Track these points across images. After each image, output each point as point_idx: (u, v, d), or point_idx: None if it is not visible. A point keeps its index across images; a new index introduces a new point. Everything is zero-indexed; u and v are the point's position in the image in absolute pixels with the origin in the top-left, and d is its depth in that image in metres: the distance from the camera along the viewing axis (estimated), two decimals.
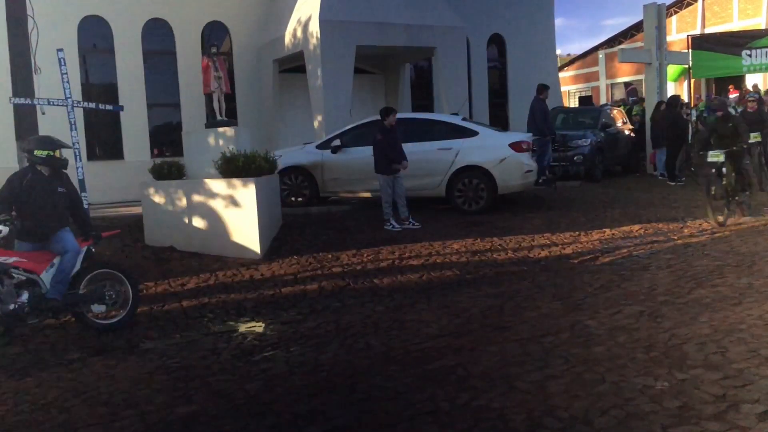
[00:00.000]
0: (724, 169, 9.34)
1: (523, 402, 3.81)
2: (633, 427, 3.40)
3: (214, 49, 10.09)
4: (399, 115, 10.32)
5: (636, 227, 9.36)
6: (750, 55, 16.34)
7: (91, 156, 13.98)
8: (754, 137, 11.09)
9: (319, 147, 11.25)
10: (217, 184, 8.40)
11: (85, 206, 7.94)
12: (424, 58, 16.62)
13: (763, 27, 29.36)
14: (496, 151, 10.46)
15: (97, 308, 6.12)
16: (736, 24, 33.06)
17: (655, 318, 5.20)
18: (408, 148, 9.98)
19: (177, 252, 8.47)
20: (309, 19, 13.44)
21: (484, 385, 4.10)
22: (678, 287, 6.14)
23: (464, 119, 11.73)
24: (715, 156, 9.38)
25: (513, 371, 4.28)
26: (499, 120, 18.52)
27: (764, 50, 16.24)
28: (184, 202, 8.73)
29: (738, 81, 22.57)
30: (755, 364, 4.05)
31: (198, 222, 8.58)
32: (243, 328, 5.99)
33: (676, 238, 8.67)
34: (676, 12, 35.33)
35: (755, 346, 4.37)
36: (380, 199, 9.92)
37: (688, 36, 17.96)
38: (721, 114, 10.23)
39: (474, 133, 10.88)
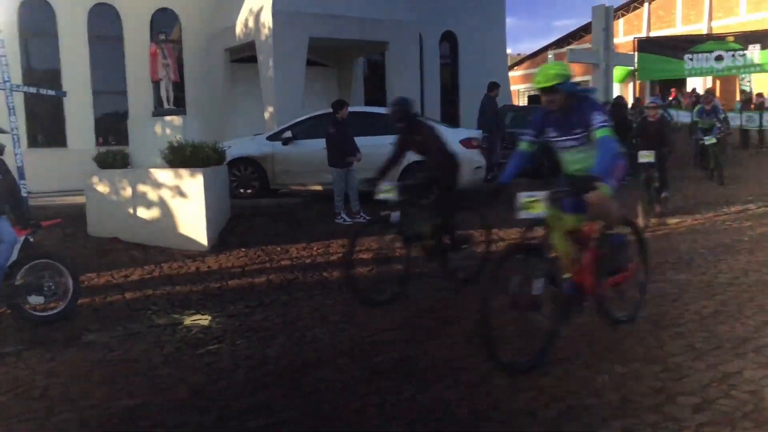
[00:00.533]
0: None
1: (469, 395, 3.84)
2: (574, 419, 3.47)
3: (162, 36, 9.84)
4: (352, 109, 10.27)
5: None
6: (692, 59, 16.90)
7: (33, 143, 13.54)
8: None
9: (270, 138, 11.12)
10: (163, 174, 8.22)
11: (24, 194, 7.67)
12: (377, 52, 16.59)
13: (704, 32, 30.40)
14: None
15: (35, 300, 5.92)
16: (679, 29, 34.10)
17: (596, 314, 5.31)
18: (360, 141, 9.96)
19: (121, 243, 8.27)
20: (261, 9, 13.27)
21: (432, 377, 4.13)
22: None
23: (416, 115, 11.75)
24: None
25: (460, 364, 4.32)
26: (450, 117, 18.65)
27: (705, 55, 16.82)
28: (129, 191, 8.52)
29: (680, 84, 23.30)
30: (691, 357, 4.18)
31: (143, 212, 8.39)
32: (188, 320, 5.88)
33: None
34: (623, 15, 36.23)
35: (692, 340, 4.51)
36: (332, 192, 9.87)
37: (634, 39, 18.47)
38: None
39: None
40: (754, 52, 16.71)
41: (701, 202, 11.07)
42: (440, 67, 19.20)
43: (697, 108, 14.27)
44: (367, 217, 9.72)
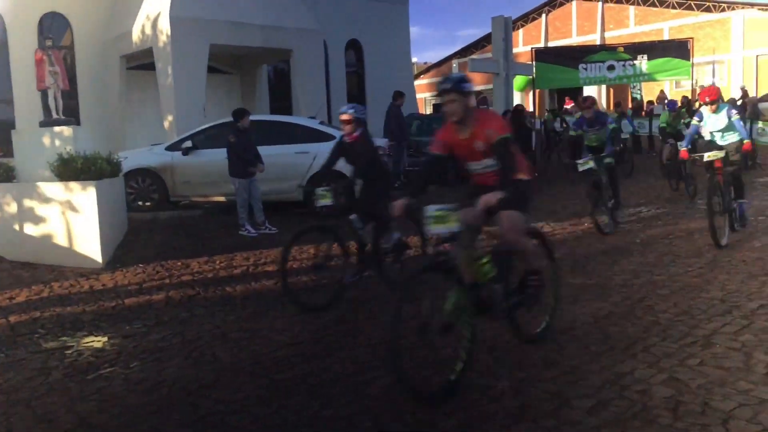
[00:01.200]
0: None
1: (371, 408, 3.80)
2: (475, 427, 3.49)
3: (49, 42, 9.31)
4: (256, 117, 10.09)
5: None
6: (586, 69, 17.63)
7: None
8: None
9: (169, 148, 10.76)
10: (52, 188, 7.77)
11: None
12: (281, 59, 16.42)
13: (598, 43, 31.97)
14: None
15: None
16: (575, 39, 35.77)
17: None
18: (265, 151, 9.79)
19: (6, 262, 7.78)
20: (159, 15, 12.84)
21: (335, 392, 4.05)
22: None
23: (322, 123, 11.70)
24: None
25: (363, 377, 4.27)
26: None
27: (598, 64, 17.59)
28: (14, 207, 8.01)
29: (576, 93, 24.36)
30: (586, 360, 4.31)
31: (31, 229, 7.90)
32: (79, 344, 5.54)
33: None
34: (522, 26, 37.63)
35: (587, 342, 4.66)
36: (235, 203, 9.64)
37: (532, 48, 19.09)
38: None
39: (331, 137, 10.85)
40: (642, 62, 17.63)
41: None
42: (346, 75, 19.26)
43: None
44: (273, 228, 9.56)
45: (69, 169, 7.82)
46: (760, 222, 9.25)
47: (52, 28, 14.02)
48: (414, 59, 33.52)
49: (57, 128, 8.82)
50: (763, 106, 20.51)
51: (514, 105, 16.54)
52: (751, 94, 25.61)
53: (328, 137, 10.84)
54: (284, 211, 10.66)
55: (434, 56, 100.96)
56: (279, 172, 10.20)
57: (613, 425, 3.39)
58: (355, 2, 19.42)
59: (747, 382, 3.80)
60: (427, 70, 43.20)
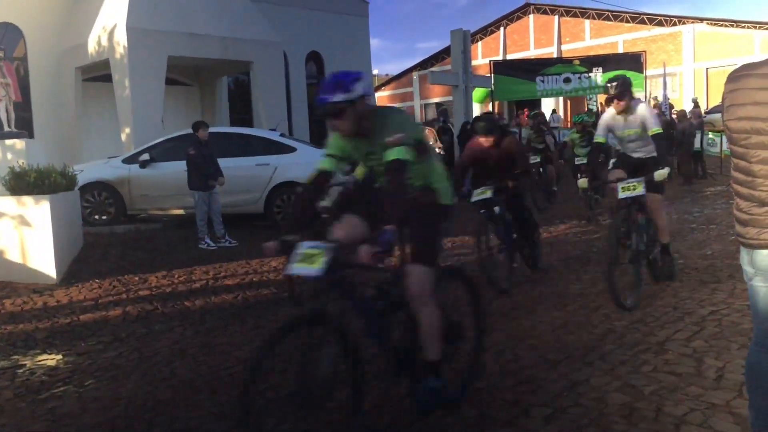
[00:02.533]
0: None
1: (331, 421, 3.78)
2: None
3: (0, 53, 9.12)
4: (216, 130, 10.03)
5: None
6: (543, 81, 17.97)
7: None
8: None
9: (126, 161, 10.62)
10: (4, 202, 7.60)
11: None
12: (241, 71, 16.35)
13: (554, 56, 32.61)
14: (314, 167, 10.47)
15: None
16: (533, 52, 36.43)
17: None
18: (225, 163, 9.73)
19: None
20: (115, 26, 12.67)
21: (292, 408, 4.02)
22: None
23: (282, 135, 11.68)
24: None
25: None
26: (319, 136, 18.67)
27: (554, 77, 17.94)
28: None
29: (534, 104, 24.78)
30: (544, 368, 4.37)
31: None
32: (31, 362, 5.39)
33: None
34: (481, 38, 38.17)
35: (544, 351, 4.72)
36: (194, 216, 9.54)
37: (490, 61, 19.38)
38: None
39: (292, 149, 10.88)
40: (597, 75, 18.04)
41: (555, 215, 11.74)
42: (307, 86, 19.25)
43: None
44: (233, 242, 9.48)
45: (21, 183, 7.66)
46: (711, 230, 9.52)
47: (5, 39, 13.70)
48: (375, 71, 33.70)
49: (9, 141, 8.65)
50: (711, 117, 21.14)
51: (474, 116, 16.72)
52: (702, 105, 26.37)
53: (288, 149, 10.84)
54: (244, 224, 10.59)
55: (394, 68, 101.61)
56: (239, 185, 10.14)
57: None
58: (315, 14, 19.48)
59: (698, 387, 3.90)
60: (388, 82, 43.45)
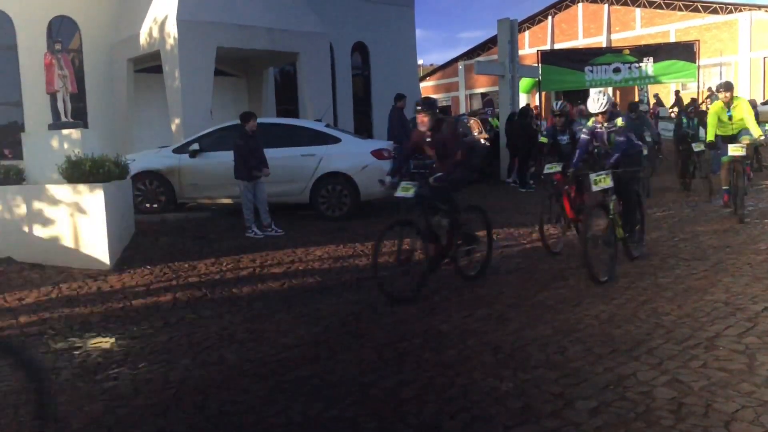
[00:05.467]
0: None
1: (376, 409, 3.84)
2: (478, 429, 3.52)
3: (58, 46, 9.39)
4: (262, 121, 10.15)
5: None
6: (592, 71, 17.65)
7: None
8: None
9: (176, 151, 10.84)
10: (61, 190, 7.84)
11: None
12: (288, 62, 16.50)
13: (604, 45, 31.96)
14: (359, 158, 10.56)
15: None
16: (581, 41, 35.78)
17: (502, 321, 5.45)
18: (271, 153, 9.85)
19: (15, 264, 7.82)
20: (166, 18, 12.92)
21: (339, 394, 4.09)
22: (524, 290, 6.48)
23: (327, 126, 11.76)
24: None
25: (367, 378, 4.31)
26: (363, 127, 18.76)
27: (604, 67, 17.60)
28: (23, 209, 8.07)
29: (583, 94, 24.34)
30: (590, 362, 4.34)
31: (40, 231, 7.96)
32: (87, 344, 5.60)
33: (525, 242, 9.15)
34: (528, 28, 37.65)
35: (590, 344, 4.68)
36: (241, 206, 9.70)
37: (538, 51, 19.11)
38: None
39: (337, 140, 10.94)
40: (648, 65, 17.63)
41: None
42: (352, 77, 19.32)
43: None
44: (279, 230, 9.62)
45: (77, 172, 7.89)
46: (765, 224, 9.25)
47: (61, 32, 14.16)
48: (419, 61, 33.57)
49: (65, 131, 8.91)
50: (762, 109, 20.47)
51: (521, 107, 16.54)
52: (757, 95, 25.52)
53: (333, 140, 10.90)
54: (290, 213, 10.72)
55: (438, 58, 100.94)
56: (285, 175, 10.26)
57: (615, 426, 3.42)
58: (361, 5, 19.50)
59: (750, 384, 3.82)
60: (433, 72, 43.26)
